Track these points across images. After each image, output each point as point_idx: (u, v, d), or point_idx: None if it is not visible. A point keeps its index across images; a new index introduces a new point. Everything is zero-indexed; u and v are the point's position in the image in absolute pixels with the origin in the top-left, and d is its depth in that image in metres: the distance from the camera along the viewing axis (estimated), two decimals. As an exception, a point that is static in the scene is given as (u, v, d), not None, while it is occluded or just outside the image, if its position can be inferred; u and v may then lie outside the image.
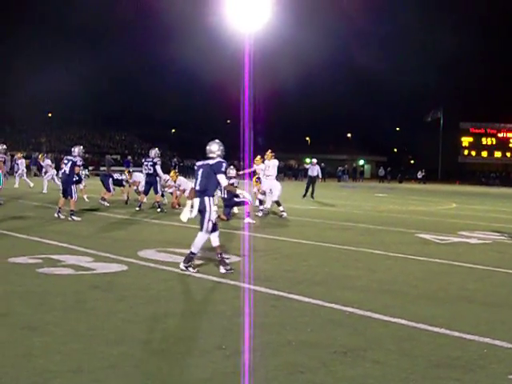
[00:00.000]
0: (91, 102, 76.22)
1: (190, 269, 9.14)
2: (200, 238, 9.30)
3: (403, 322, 6.82)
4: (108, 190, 21.42)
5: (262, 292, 8.09)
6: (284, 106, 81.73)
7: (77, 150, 16.76)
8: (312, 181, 29.60)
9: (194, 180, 9.51)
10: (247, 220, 16.68)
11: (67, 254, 10.40)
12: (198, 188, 9.23)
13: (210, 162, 9.43)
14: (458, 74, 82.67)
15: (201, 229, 9.34)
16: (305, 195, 29.23)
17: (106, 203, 20.57)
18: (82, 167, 17.59)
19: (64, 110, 76.80)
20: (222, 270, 9.21)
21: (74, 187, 16.32)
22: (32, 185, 29.03)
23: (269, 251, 11.84)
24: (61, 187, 17.00)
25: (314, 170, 29.93)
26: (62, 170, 16.67)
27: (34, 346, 5.54)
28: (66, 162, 16.60)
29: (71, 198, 16.10)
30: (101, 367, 5.08)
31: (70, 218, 15.84)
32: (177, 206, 20.44)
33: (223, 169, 9.40)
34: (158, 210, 19.09)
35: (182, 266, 9.18)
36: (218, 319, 6.65)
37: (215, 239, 9.47)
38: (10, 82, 69.60)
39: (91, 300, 7.31)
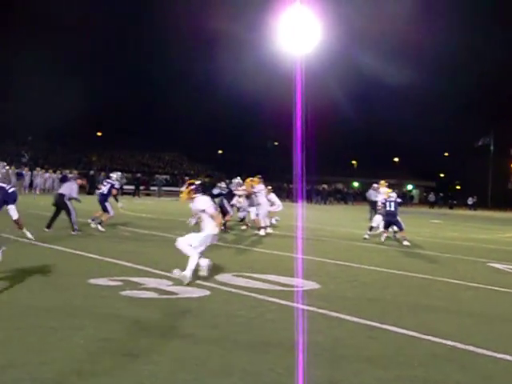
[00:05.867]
0: (140, 122, 76.99)
1: None
2: None
3: (510, 358, 6.55)
4: None
5: (354, 322, 7.87)
6: (330, 128, 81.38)
7: (114, 176, 19.21)
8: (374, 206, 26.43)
9: None
10: None
11: (145, 277, 10.29)
12: None
13: None
14: (510, 99, 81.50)
15: None
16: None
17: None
18: (118, 190, 19.82)
19: (114, 130, 77.58)
20: None
21: (108, 204, 18.46)
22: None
23: (345, 278, 11.65)
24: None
25: (378, 195, 25.75)
26: (101, 191, 18.89)
27: (143, 375, 5.40)
28: (105, 184, 19.20)
29: (108, 213, 18.39)
30: (217, 400, 4.92)
31: (93, 225, 18.14)
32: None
33: None
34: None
35: None
36: (319, 351, 6.45)
37: None
38: (59, 102, 70.48)
39: (185, 326, 7.18)
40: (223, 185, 22.90)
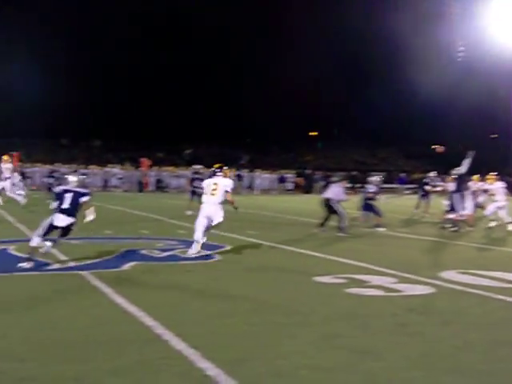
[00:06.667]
0: (355, 120, 76.83)
1: None
2: None
3: None
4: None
5: None
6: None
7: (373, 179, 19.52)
8: None
9: None
10: None
11: (369, 275, 10.32)
12: None
13: None
14: None
15: None
16: None
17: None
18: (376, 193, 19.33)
19: (328, 129, 78.31)
20: None
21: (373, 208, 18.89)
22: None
23: None
24: None
25: None
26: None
27: (373, 372, 5.45)
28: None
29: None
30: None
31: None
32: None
33: None
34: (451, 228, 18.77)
35: None
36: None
37: None
38: (275, 104, 72.05)
39: (412, 324, 7.14)
40: (432, 174, 22.94)
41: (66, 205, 10.65)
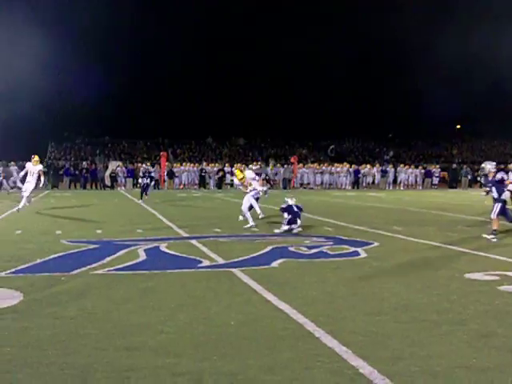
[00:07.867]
0: (493, 109, 73.94)
1: None
2: None
3: None
4: None
5: None
6: None
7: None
8: None
9: None
10: None
11: (523, 271, 10.01)
12: None
13: None
14: None
15: None
16: None
17: None
18: None
19: (473, 121, 76.01)
20: None
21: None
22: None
23: None
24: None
25: None
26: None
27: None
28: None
29: None
30: None
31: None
32: None
33: None
34: None
35: None
36: None
37: None
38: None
39: None
40: None
41: None
